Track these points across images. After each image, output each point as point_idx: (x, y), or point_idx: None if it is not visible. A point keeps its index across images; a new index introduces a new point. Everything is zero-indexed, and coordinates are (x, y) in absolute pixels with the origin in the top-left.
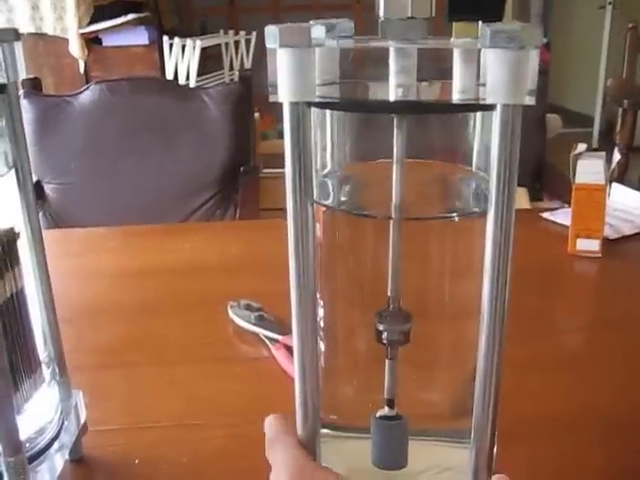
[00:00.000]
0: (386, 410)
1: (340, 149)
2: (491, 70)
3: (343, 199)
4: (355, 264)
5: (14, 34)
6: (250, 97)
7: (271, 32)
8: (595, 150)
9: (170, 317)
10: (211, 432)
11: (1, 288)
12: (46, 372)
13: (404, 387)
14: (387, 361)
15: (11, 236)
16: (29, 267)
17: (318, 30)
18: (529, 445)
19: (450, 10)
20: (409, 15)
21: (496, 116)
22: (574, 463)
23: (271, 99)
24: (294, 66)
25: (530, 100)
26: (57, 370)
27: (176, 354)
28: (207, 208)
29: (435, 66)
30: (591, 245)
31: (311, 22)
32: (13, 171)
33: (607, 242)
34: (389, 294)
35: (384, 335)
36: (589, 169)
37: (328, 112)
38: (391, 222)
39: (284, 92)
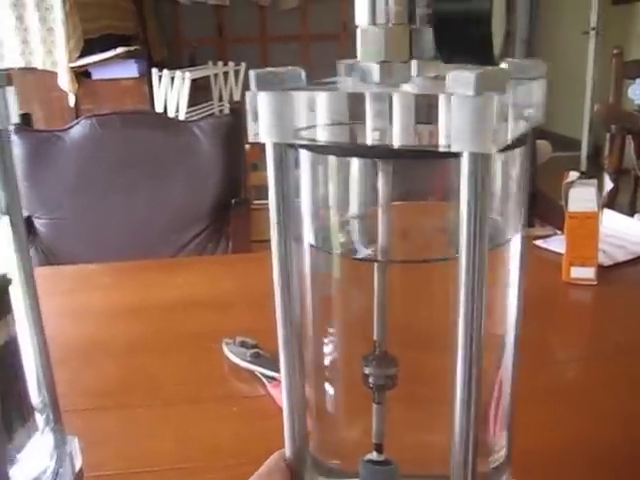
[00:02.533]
0: (374, 455)
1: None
2: (454, 116)
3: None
4: (342, 306)
5: (5, 79)
6: (240, 129)
7: (252, 76)
8: (583, 174)
9: (164, 355)
10: (208, 475)
11: (3, 328)
12: (40, 419)
13: (398, 430)
14: (374, 405)
15: (3, 283)
16: (21, 311)
17: (296, 75)
18: (522, 477)
19: (439, 52)
20: (383, 59)
21: (464, 164)
22: None
23: (253, 139)
24: (273, 109)
25: (495, 149)
26: (51, 417)
27: (171, 394)
28: (199, 241)
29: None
30: (586, 273)
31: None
32: (6, 218)
33: (601, 269)
34: (375, 338)
35: (370, 379)
36: (581, 196)
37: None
38: (375, 265)
39: (264, 134)
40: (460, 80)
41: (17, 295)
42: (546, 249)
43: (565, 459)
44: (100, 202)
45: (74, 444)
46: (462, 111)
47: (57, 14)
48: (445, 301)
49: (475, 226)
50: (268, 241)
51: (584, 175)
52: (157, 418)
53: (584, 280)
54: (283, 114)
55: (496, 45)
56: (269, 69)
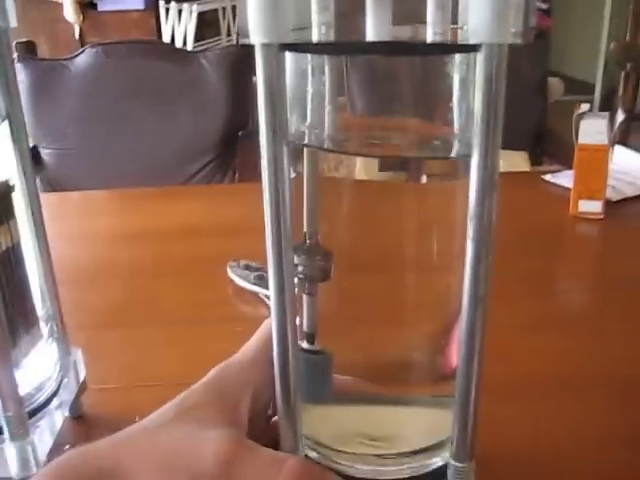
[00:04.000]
0: (305, 344)
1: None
2: (473, 8)
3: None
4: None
5: None
6: (249, 60)
7: None
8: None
9: (168, 278)
10: None
11: (5, 233)
12: (44, 329)
13: (380, 348)
14: (304, 296)
15: (5, 188)
16: (24, 223)
17: None
18: (526, 401)
19: None
20: None
21: (480, 57)
22: (569, 418)
23: (241, 42)
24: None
25: (515, 39)
26: (55, 327)
27: (175, 314)
28: (205, 173)
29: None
30: (593, 207)
31: None
32: (6, 123)
33: (609, 204)
34: (304, 229)
35: (299, 269)
36: (592, 129)
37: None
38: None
39: (254, 34)
40: None
41: (20, 207)
42: (554, 184)
43: (571, 384)
44: (106, 132)
45: (78, 355)
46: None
47: None
48: (435, 214)
49: (490, 123)
50: None
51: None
52: (161, 337)
53: (591, 214)
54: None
55: None
56: None
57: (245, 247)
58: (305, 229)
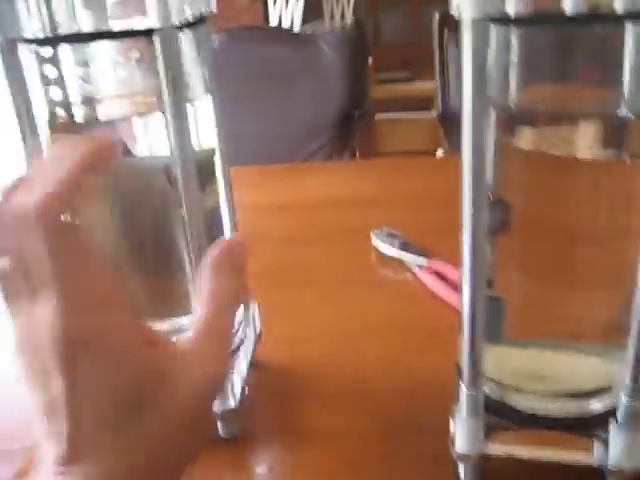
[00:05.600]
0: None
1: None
2: None
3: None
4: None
5: None
6: (365, 42)
7: None
8: None
9: (315, 246)
10: (370, 343)
11: (208, 197)
12: None
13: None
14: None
15: (211, 153)
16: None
17: None
18: None
19: None
20: None
21: None
22: None
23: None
24: None
25: None
26: None
27: (326, 277)
28: (323, 152)
29: None
30: None
31: None
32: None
33: None
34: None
35: None
36: None
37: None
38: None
39: (466, 9)
40: None
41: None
42: None
43: None
44: (228, 114)
45: (255, 310)
46: None
47: None
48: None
49: None
50: (393, 153)
51: None
52: (315, 296)
53: None
54: None
55: None
56: None
57: (385, 218)
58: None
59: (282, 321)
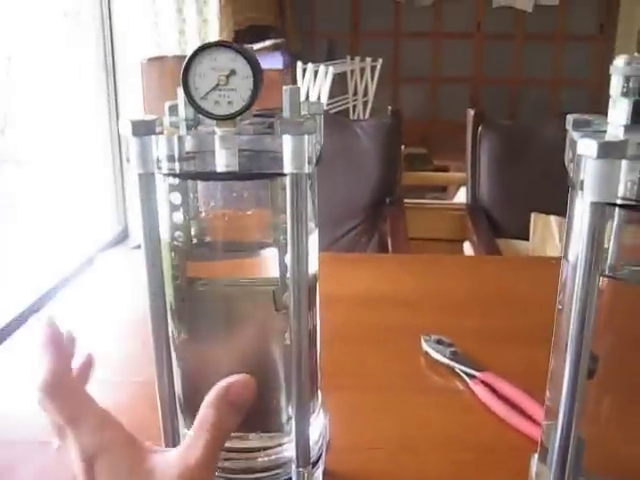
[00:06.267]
0: None
1: None
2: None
3: None
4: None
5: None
6: (399, 130)
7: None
8: None
9: (367, 345)
10: (429, 456)
11: (311, 318)
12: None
13: None
14: None
15: (315, 280)
16: None
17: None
18: None
19: None
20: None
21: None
22: None
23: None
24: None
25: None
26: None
27: (381, 381)
28: (353, 236)
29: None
30: None
31: None
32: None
33: None
34: None
35: None
36: None
37: None
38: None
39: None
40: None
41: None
42: None
43: None
44: None
45: (327, 419)
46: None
47: (212, 7)
48: None
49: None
50: (422, 239)
51: None
52: (375, 402)
53: None
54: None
55: None
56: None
57: (430, 320)
58: None
59: (345, 427)
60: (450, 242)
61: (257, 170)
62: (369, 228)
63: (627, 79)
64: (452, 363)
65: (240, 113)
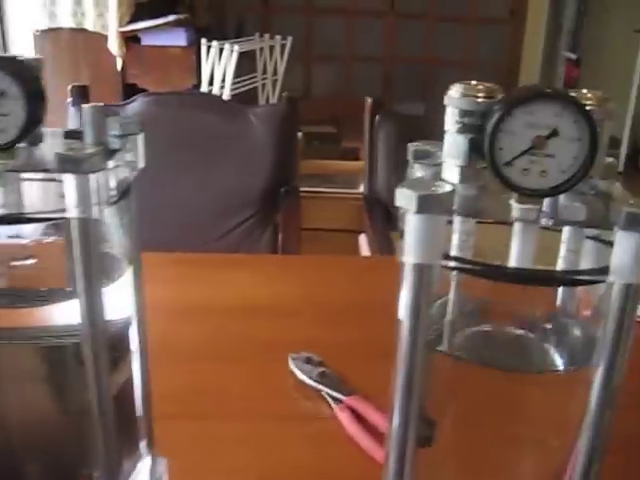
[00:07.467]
0: None
1: None
2: None
3: None
4: None
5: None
6: (296, 118)
7: None
8: (620, 174)
9: (230, 363)
10: None
11: (119, 374)
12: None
13: None
14: None
15: (126, 325)
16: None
17: None
18: None
19: None
20: None
21: None
22: None
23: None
24: None
25: None
26: (148, 442)
27: (240, 409)
28: (246, 227)
29: None
30: None
31: None
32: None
33: None
34: None
35: None
36: None
37: None
38: None
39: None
40: None
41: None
42: None
43: None
44: (150, 182)
45: (163, 466)
46: None
47: None
48: None
49: None
50: (317, 230)
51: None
52: (230, 433)
53: None
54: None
55: None
56: None
57: (305, 332)
58: None
59: (190, 464)
60: (348, 233)
61: (42, 211)
62: (263, 219)
63: (463, 113)
64: (319, 386)
65: (13, 144)
